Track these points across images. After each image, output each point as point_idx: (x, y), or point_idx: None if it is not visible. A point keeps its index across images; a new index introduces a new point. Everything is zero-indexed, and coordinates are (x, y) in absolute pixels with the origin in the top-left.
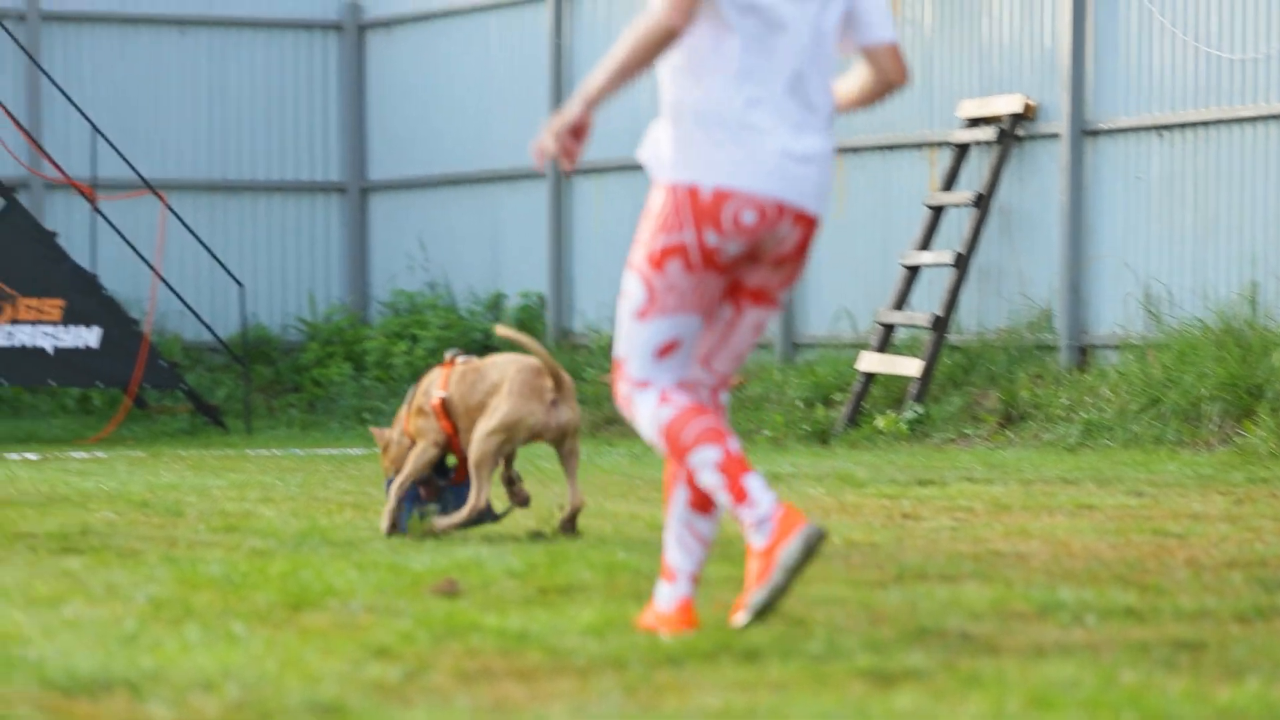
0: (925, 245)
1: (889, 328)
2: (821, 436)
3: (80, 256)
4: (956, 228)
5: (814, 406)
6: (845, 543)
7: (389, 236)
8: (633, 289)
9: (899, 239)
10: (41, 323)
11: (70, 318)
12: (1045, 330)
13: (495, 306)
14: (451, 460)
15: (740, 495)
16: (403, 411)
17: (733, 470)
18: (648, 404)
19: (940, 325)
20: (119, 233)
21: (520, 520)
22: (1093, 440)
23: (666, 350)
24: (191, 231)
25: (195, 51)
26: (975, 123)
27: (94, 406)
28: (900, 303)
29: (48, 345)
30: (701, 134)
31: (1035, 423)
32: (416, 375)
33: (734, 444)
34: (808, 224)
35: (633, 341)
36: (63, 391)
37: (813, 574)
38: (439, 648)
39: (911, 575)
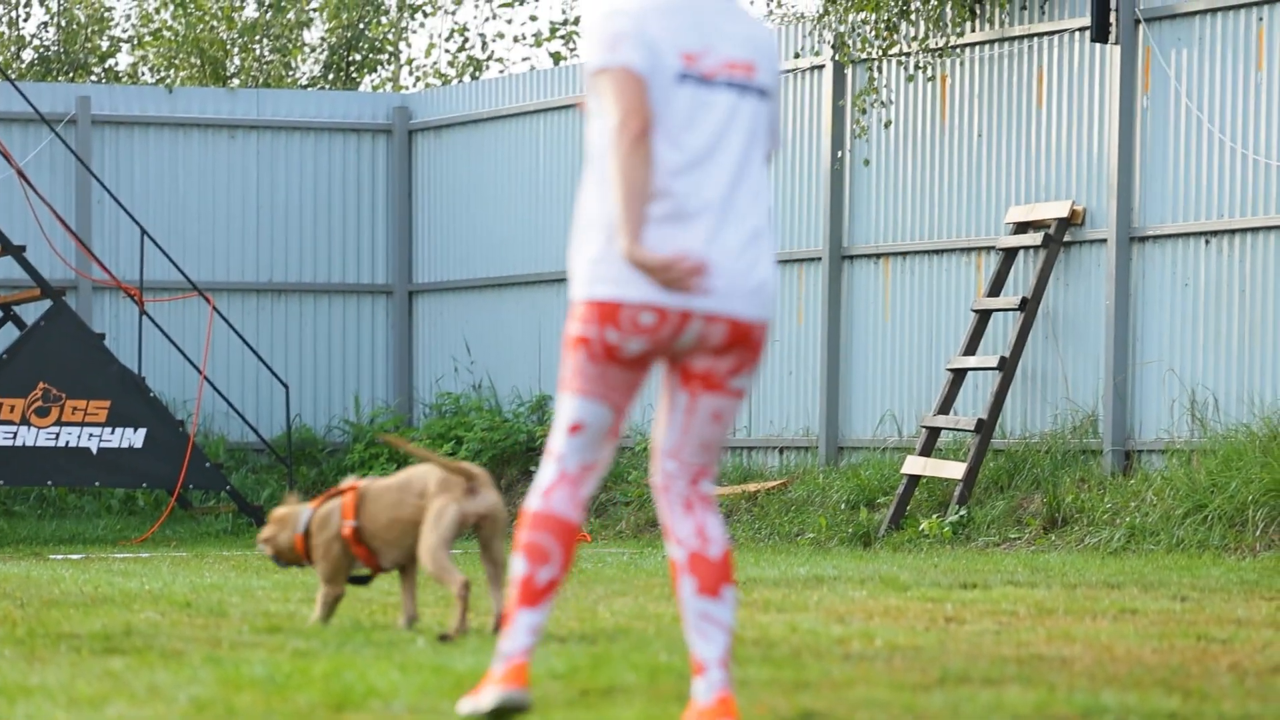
0: (971, 349)
1: (934, 431)
2: (865, 539)
3: (127, 358)
4: (1002, 332)
5: (858, 509)
6: (888, 646)
7: (434, 338)
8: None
9: (945, 343)
10: (87, 424)
11: (116, 419)
12: (1090, 435)
13: (540, 408)
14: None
15: (505, 619)
16: (300, 510)
17: (523, 595)
18: (542, 479)
19: (985, 429)
20: (165, 335)
21: (562, 621)
22: (1136, 545)
23: (574, 430)
24: (237, 333)
25: (245, 155)
26: (1022, 228)
27: (138, 507)
28: (945, 406)
29: (93, 446)
30: (603, 247)
31: (1079, 527)
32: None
33: (546, 572)
34: (728, 322)
35: (557, 412)
36: (107, 492)
37: (855, 676)
38: None
39: (954, 679)
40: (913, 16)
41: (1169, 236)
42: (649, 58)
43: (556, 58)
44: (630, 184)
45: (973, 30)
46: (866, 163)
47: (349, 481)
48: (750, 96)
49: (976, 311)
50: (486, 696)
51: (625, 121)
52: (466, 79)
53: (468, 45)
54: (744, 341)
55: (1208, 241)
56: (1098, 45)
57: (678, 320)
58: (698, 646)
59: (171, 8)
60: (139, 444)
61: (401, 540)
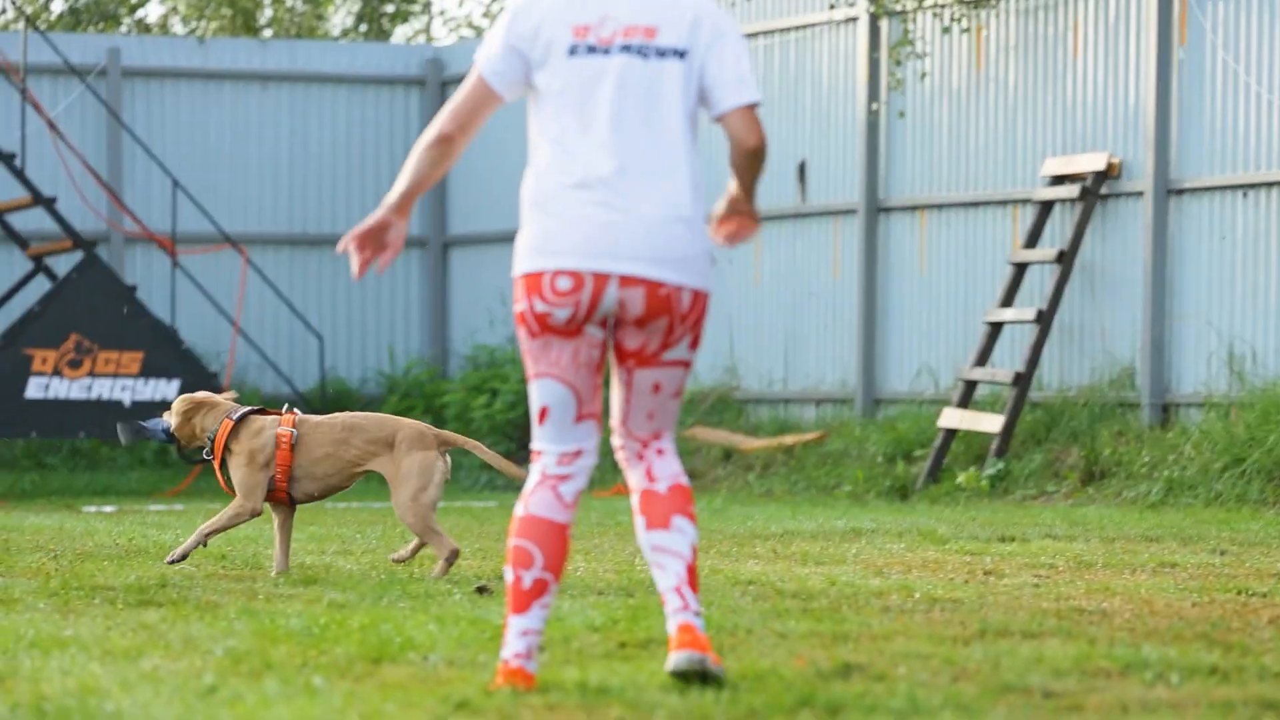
0: (1008, 302)
1: (971, 384)
2: (902, 492)
3: (160, 310)
4: (1039, 285)
5: (895, 462)
6: (927, 599)
7: (469, 291)
8: None
9: (982, 296)
10: (120, 376)
11: (149, 371)
12: (1128, 388)
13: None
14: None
15: (504, 627)
16: (232, 405)
17: (512, 601)
18: (526, 484)
19: (1022, 382)
20: (199, 286)
21: (600, 574)
22: (1175, 498)
23: (543, 416)
24: (271, 285)
25: (277, 106)
26: (1059, 180)
27: (171, 460)
28: (982, 359)
29: (126, 398)
30: (525, 228)
31: (1117, 480)
32: (497, 428)
33: (530, 575)
34: (644, 285)
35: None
36: (140, 444)
37: (895, 629)
38: (519, 701)
39: (994, 632)
40: None
41: (1206, 189)
42: (525, 51)
43: None
44: (413, 167)
45: None
46: (902, 115)
47: (286, 408)
48: (653, 58)
49: (1013, 264)
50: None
51: (441, 118)
52: None
53: None
54: (666, 309)
55: (1245, 194)
56: None
57: (593, 283)
58: (656, 579)
59: None
60: (172, 396)
61: (327, 478)
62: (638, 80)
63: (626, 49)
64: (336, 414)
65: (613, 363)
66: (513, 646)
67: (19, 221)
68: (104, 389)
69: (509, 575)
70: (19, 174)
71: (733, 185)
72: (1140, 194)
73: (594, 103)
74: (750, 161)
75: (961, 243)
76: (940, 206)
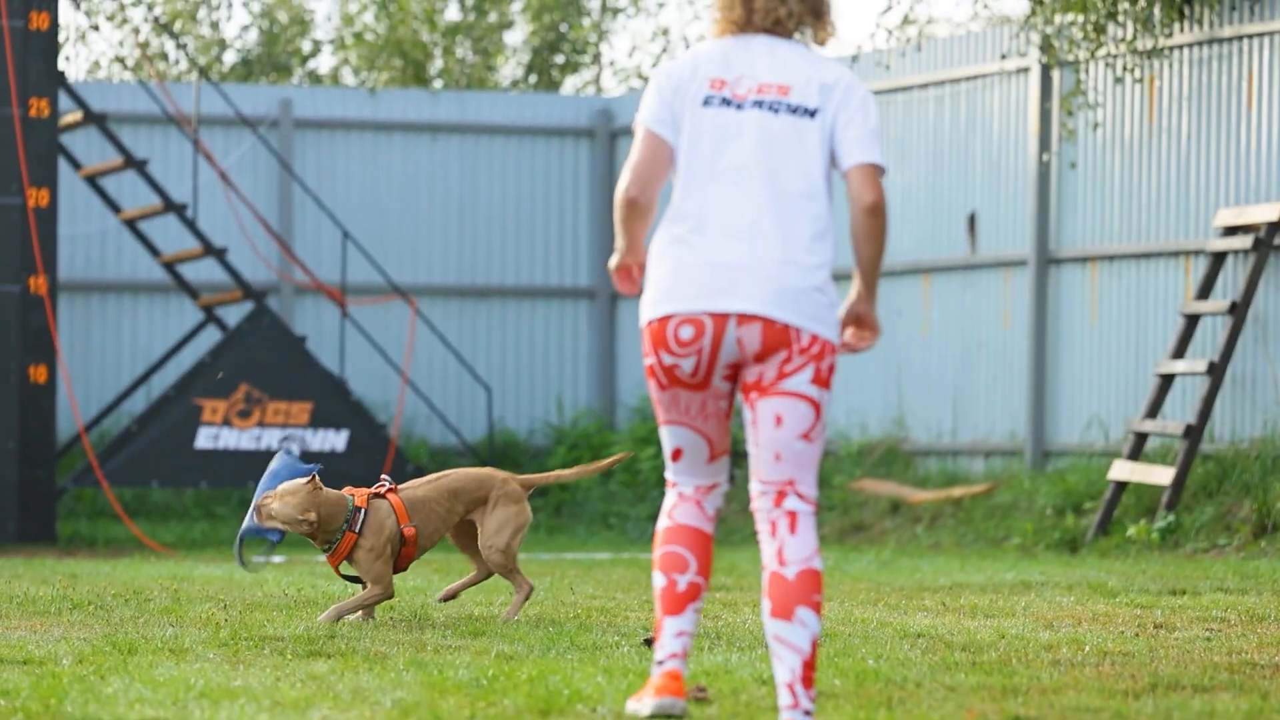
0: (1179, 354)
1: (1142, 436)
2: (1071, 545)
3: (329, 360)
4: (1211, 336)
5: (1064, 514)
6: (1097, 652)
7: (637, 342)
8: None
9: (1153, 347)
10: (290, 426)
11: (318, 421)
12: None
13: (737, 411)
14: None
15: (657, 630)
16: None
17: (665, 604)
18: (665, 504)
19: (1194, 434)
20: (368, 337)
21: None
22: None
23: (675, 456)
24: (440, 336)
25: (446, 157)
26: (1232, 231)
27: None
28: (1153, 411)
29: (295, 449)
30: (653, 267)
31: None
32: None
33: (685, 578)
34: (760, 321)
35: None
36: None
37: (1065, 682)
38: None
39: (1165, 685)
40: (1120, 18)
41: None
42: (672, 99)
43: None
44: (620, 229)
45: (1181, 31)
46: (1074, 165)
47: (386, 485)
48: (784, 113)
49: (1185, 315)
50: (645, 704)
51: (624, 183)
52: None
53: (670, 46)
54: (784, 343)
55: None
56: None
57: (713, 326)
58: (774, 668)
59: (373, 9)
60: (341, 446)
61: (434, 540)
62: (767, 134)
63: (759, 104)
64: (431, 478)
65: (743, 409)
66: (669, 647)
67: (190, 272)
68: (273, 439)
69: (661, 580)
70: (191, 224)
71: (854, 286)
72: None
73: (723, 154)
74: (868, 221)
75: (1132, 294)
76: (1111, 258)
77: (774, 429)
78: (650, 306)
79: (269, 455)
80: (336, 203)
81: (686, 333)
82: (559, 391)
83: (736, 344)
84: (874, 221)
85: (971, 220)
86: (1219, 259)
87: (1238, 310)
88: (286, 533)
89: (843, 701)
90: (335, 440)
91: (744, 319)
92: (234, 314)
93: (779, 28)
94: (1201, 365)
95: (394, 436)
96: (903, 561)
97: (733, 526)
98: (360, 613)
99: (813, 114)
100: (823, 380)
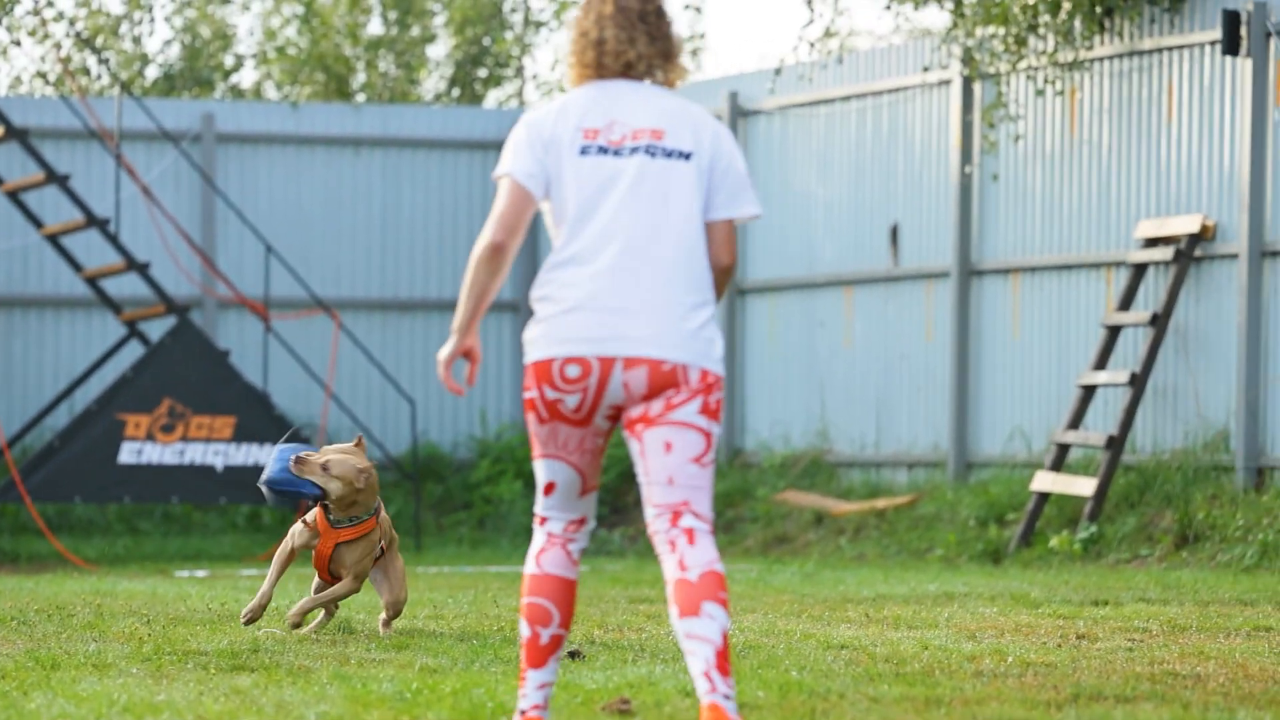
0: (1101, 365)
1: (1064, 447)
2: (994, 556)
3: (253, 374)
4: (1133, 348)
5: (987, 526)
6: (1020, 663)
7: None
8: None
9: (1075, 359)
10: (213, 440)
11: (242, 435)
12: (1222, 451)
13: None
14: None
15: (520, 678)
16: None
17: (529, 656)
18: (534, 545)
19: (1115, 445)
20: (291, 351)
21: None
22: (1270, 562)
23: (548, 490)
24: (363, 349)
25: (369, 171)
26: (1153, 243)
27: (264, 524)
28: (1075, 422)
29: (218, 463)
30: (536, 320)
31: (1211, 543)
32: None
33: (548, 632)
34: (647, 364)
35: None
36: (233, 509)
37: (988, 693)
38: None
39: (1088, 696)
40: (1041, 30)
41: None
42: (544, 154)
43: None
44: (474, 284)
45: (1102, 44)
46: (995, 178)
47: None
48: (661, 157)
49: (1106, 327)
50: None
51: (489, 230)
52: None
53: None
54: (672, 382)
55: None
56: (1228, 58)
57: (600, 368)
58: (690, 666)
59: (295, 24)
60: (265, 461)
61: None
62: (648, 179)
63: (635, 150)
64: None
65: (629, 447)
66: (532, 699)
67: (113, 287)
68: (196, 454)
69: (526, 631)
70: (113, 239)
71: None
72: (1235, 256)
73: (604, 200)
74: (721, 280)
75: (1054, 306)
76: (1033, 269)
77: (664, 455)
78: (536, 348)
79: (192, 470)
80: (259, 217)
81: (573, 371)
82: (482, 405)
83: (623, 387)
84: (725, 280)
85: (894, 232)
86: (1140, 270)
87: (1159, 322)
88: (322, 493)
89: (766, 713)
90: (259, 454)
91: (630, 362)
92: (157, 328)
93: (630, 71)
94: (1123, 376)
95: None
96: (826, 573)
97: None
98: (322, 613)
99: (687, 157)
100: (711, 412)
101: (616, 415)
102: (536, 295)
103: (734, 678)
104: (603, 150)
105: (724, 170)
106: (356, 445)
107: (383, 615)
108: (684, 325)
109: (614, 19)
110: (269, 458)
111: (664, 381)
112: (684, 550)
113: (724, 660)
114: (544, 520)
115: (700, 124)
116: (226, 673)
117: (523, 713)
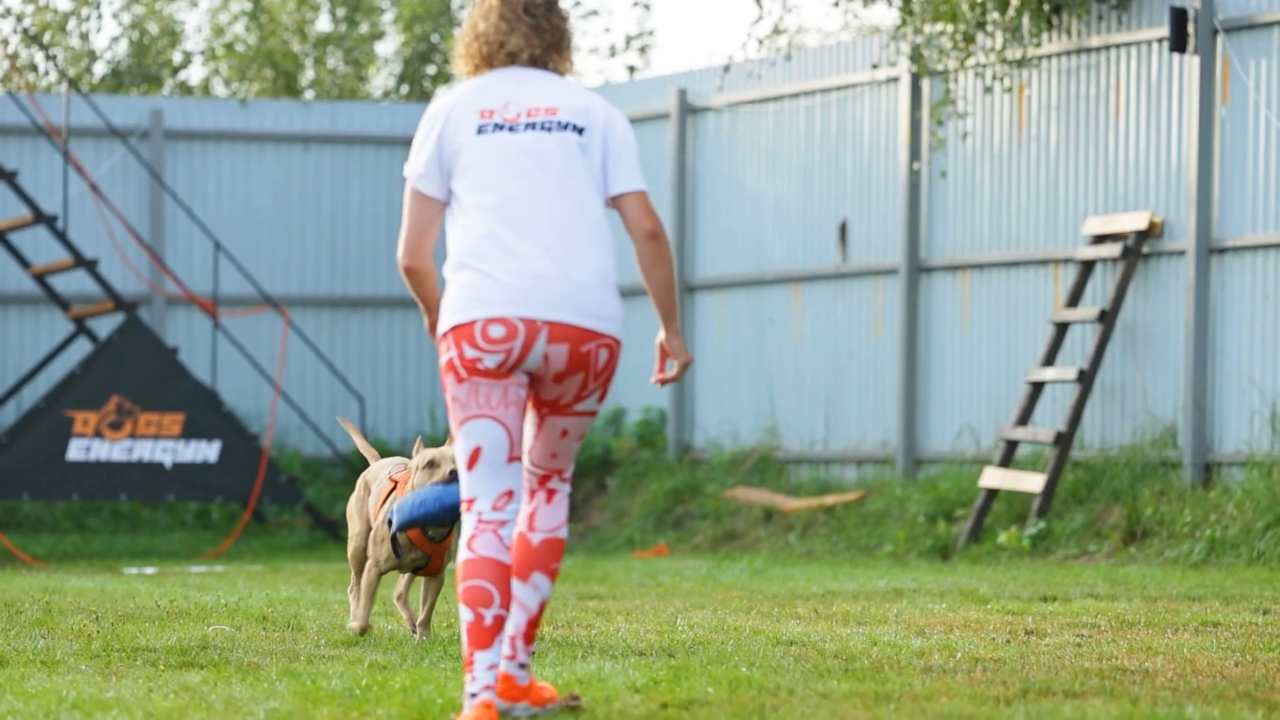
0: (1049, 361)
1: (1012, 444)
2: (943, 552)
3: (201, 371)
4: (1081, 344)
5: (936, 522)
6: (969, 658)
7: None
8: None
9: (1023, 355)
10: (161, 438)
11: (190, 432)
12: (1169, 447)
13: (615, 421)
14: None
15: (467, 664)
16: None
17: (473, 638)
18: (464, 533)
19: (1064, 441)
20: (240, 348)
21: (642, 635)
22: (1217, 557)
23: (475, 458)
24: (312, 346)
25: (318, 168)
26: (1101, 240)
27: (213, 521)
28: (1024, 419)
29: (167, 460)
30: (452, 289)
31: (1159, 539)
32: None
33: (490, 613)
34: (570, 338)
35: (456, 458)
36: (181, 506)
37: (937, 689)
38: None
39: (1036, 691)
40: (989, 28)
41: (1248, 248)
42: (438, 144)
43: (631, 69)
44: (417, 296)
45: (1050, 41)
46: (944, 175)
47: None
48: (557, 130)
49: (1055, 324)
50: None
51: (399, 251)
52: None
53: None
54: (584, 365)
55: None
56: (1176, 56)
57: (525, 331)
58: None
59: (244, 20)
60: (213, 458)
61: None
62: (547, 151)
63: (531, 126)
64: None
65: (530, 409)
66: (482, 680)
67: (60, 283)
68: (145, 451)
69: (468, 615)
70: (61, 236)
71: (661, 331)
72: (1182, 253)
73: (511, 172)
74: (651, 247)
75: (1003, 302)
76: (982, 266)
77: (559, 439)
78: (456, 312)
79: (140, 467)
80: (208, 214)
81: (497, 331)
82: (431, 402)
83: (543, 359)
84: (657, 247)
85: (842, 229)
86: (1088, 267)
87: (1107, 318)
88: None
89: (716, 709)
90: (207, 451)
91: (555, 332)
92: (105, 325)
93: (515, 60)
94: (1071, 373)
95: (266, 447)
96: (775, 570)
97: (605, 535)
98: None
99: (580, 131)
100: (606, 395)
101: (530, 383)
102: (452, 265)
103: (536, 644)
104: (498, 127)
105: (618, 151)
106: (419, 449)
107: (422, 615)
108: (597, 296)
109: (499, 10)
110: (412, 501)
111: (580, 361)
112: (540, 506)
113: (532, 629)
114: (472, 503)
115: (592, 103)
116: (176, 669)
117: (474, 695)
